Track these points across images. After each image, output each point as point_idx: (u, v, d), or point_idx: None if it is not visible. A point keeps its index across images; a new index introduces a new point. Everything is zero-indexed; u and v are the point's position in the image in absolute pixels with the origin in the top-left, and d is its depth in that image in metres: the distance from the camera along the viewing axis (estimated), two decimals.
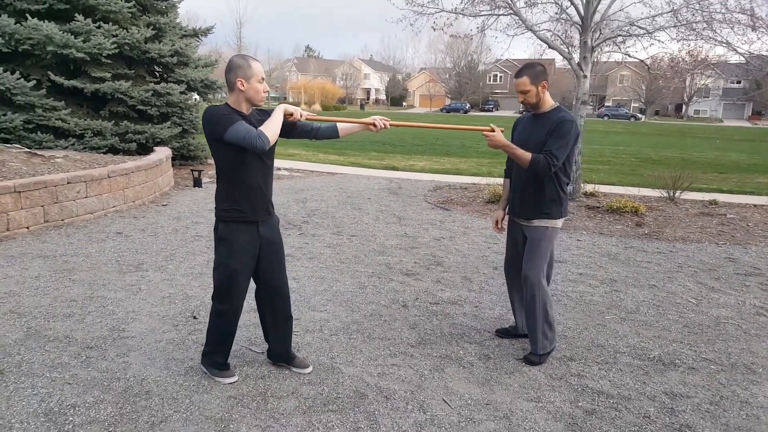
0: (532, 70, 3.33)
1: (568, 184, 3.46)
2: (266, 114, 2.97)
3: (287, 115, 2.94)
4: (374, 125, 3.12)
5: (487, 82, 72.72)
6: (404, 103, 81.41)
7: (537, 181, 3.35)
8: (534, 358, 3.47)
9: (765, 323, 4.39)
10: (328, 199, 9.02)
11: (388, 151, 18.22)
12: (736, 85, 57.07)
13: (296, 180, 11.08)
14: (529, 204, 3.43)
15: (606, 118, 58.02)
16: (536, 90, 3.32)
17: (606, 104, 67.27)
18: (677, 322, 4.34)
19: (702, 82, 53.65)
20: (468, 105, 66.16)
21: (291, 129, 3.07)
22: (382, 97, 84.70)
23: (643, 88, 59.71)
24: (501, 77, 73.85)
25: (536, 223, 3.43)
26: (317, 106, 60.63)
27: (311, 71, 78.26)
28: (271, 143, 2.79)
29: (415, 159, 16.09)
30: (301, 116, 2.98)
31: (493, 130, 3.35)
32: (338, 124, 3.21)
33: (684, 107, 65.45)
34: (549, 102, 3.40)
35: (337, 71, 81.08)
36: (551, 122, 3.29)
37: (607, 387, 3.28)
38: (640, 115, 59.91)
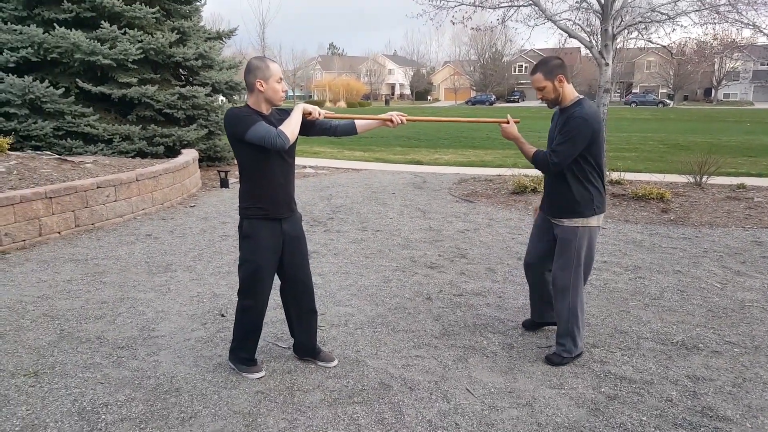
0: (546, 65, 3.25)
1: (601, 179, 3.31)
2: (286, 113, 3.03)
3: (306, 114, 3.01)
4: (391, 121, 3.17)
5: (512, 73, 71.83)
6: (429, 97, 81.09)
7: (565, 179, 3.26)
8: (556, 359, 3.38)
9: None
10: (353, 195, 9.09)
11: (413, 145, 18.21)
12: (766, 67, 55.36)
13: (321, 177, 11.18)
14: (557, 202, 3.35)
15: (633, 105, 56.86)
16: (552, 85, 3.23)
17: (633, 91, 65.93)
18: (701, 307, 4.30)
19: (731, 66, 52.21)
20: (493, 97, 65.60)
21: (310, 127, 3.14)
22: (407, 91, 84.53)
23: (671, 73, 58.35)
24: (526, 67, 72.89)
25: (566, 222, 3.32)
26: (342, 103, 60.84)
27: (335, 69, 78.58)
28: (291, 142, 2.86)
29: (440, 153, 16.05)
30: (319, 114, 3.04)
31: (508, 122, 3.34)
32: (356, 121, 3.26)
33: (713, 91, 63.75)
34: (570, 95, 3.28)
35: (361, 68, 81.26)
36: (567, 117, 3.22)
37: (630, 372, 3.27)
38: (668, 101, 58.57)
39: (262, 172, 2.96)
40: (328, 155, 15.11)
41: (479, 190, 9.47)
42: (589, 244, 3.34)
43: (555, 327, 3.61)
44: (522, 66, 72.78)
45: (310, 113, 3.02)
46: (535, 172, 8.36)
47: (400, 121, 3.17)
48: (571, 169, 3.23)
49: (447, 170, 12.42)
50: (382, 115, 3.21)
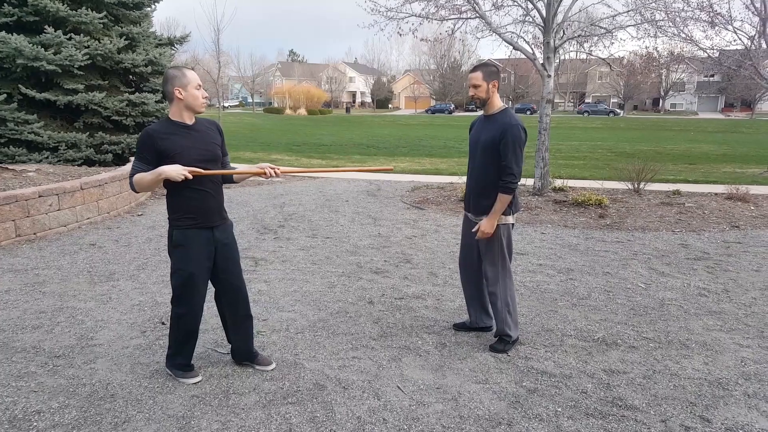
0: (487, 68, 3.57)
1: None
2: (212, 125, 3.15)
3: (168, 180, 2.92)
4: (264, 173, 3.11)
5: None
6: (390, 105, 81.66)
7: (490, 182, 3.52)
8: (499, 346, 3.70)
9: (705, 303, 4.65)
10: (306, 203, 9.15)
11: (371, 153, 18.37)
12: (710, 79, 58.14)
13: (276, 185, 11.17)
14: (482, 202, 3.60)
15: (586, 114, 58.60)
16: (487, 87, 3.53)
17: (586, 100, 68.04)
18: (624, 306, 4.57)
19: (677, 77, 54.68)
20: (452, 105, 66.61)
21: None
22: (368, 99, 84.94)
23: (621, 84, 60.51)
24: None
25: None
26: (303, 111, 60.67)
27: (296, 75, 78.40)
28: (137, 193, 2.96)
29: (397, 160, 16.24)
30: (185, 178, 2.91)
31: (392, 169, 3.70)
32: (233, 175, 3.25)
33: (661, 101, 66.42)
34: (498, 104, 3.59)
35: (322, 75, 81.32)
36: (500, 127, 3.46)
37: (551, 367, 3.47)
38: (618, 111, 60.67)
39: (189, 183, 2.96)
40: (285, 163, 15.11)
41: (430, 197, 9.67)
42: (508, 239, 3.65)
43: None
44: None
45: (170, 179, 2.90)
46: None
47: (272, 174, 3.11)
48: (497, 173, 3.48)
49: (402, 178, 12.60)
50: (254, 168, 3.17)
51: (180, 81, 2.94)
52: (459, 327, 4.08)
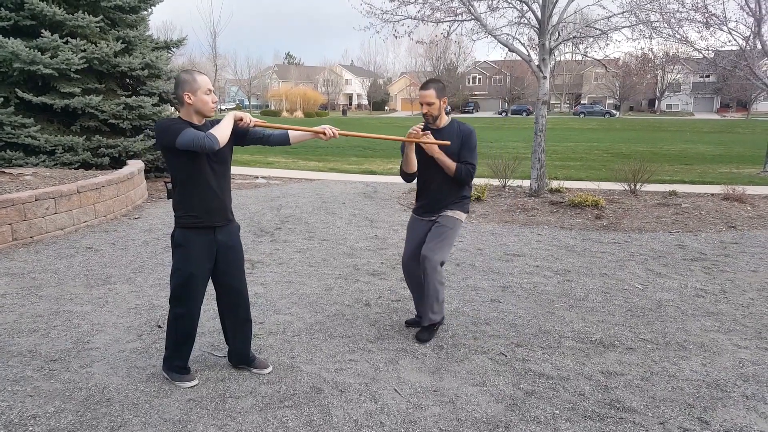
0: (437, 84, 3.68)
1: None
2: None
3: (237, 120, 3.08)
4: (324, 133, 3.24)
5: (467, 84, 73.44)
6: (386, 107, 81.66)
7: (451, 189, 3.74)
8: (426, 335, 3.84)
9: (702, 303, 4.66)
10: (303, 205, 9.14)
11: (368, 155, 18.36)
12: (705, 80, 58.34)
13: (273, 188, 11.16)
14: (445, 201, 3.75)
15: (582, 115, 58.72)
16: (439, 103, 3.64)
17: (582, 102, 68.19)
18: (622, 307, 4.57)
19: (673, 78, 54.89)
20: (449, 107, 66.43)
21: (243, 136, 3.21)
22: (365, 101, 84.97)
23: (617, 85, 60.68)
24: (480, 79, 74.82)
25: (449, 213, 3.75)
26: (299, 113, 60.64)
27: (292, 78, 78.44)
28: (221, 144, 2.91)
29: (394, 162, 16.22)
30: (250, 121, 3.10)
31: (450, 143, 3.63)
32: (289, 132, 3.33)
33: (657, 102, 66.61)
34: (445, 117, 3.75)
35: (319, 77, 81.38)
36: (459, 134, 3.66)
37: (549, 369, 3.46)
38: (614, 112, 60.82)
39: (194, 182, 3.01)
40: (282, 165, 15.09)
41: None
42: (457, 234, 3.83)
43: (483, 329, 4.00)
44: (476, 78, 74.68)
45: (241, 119, 3.09)
46: (478, 181, 8.66)
47: (332, 134, 3.24)
48: (457, 181, 3.72)
49: (399, 180, 12.57)
50: (316, 128, 3.28)
51: (190, 86, 2.96)
52: (410, 323, 4.15)
